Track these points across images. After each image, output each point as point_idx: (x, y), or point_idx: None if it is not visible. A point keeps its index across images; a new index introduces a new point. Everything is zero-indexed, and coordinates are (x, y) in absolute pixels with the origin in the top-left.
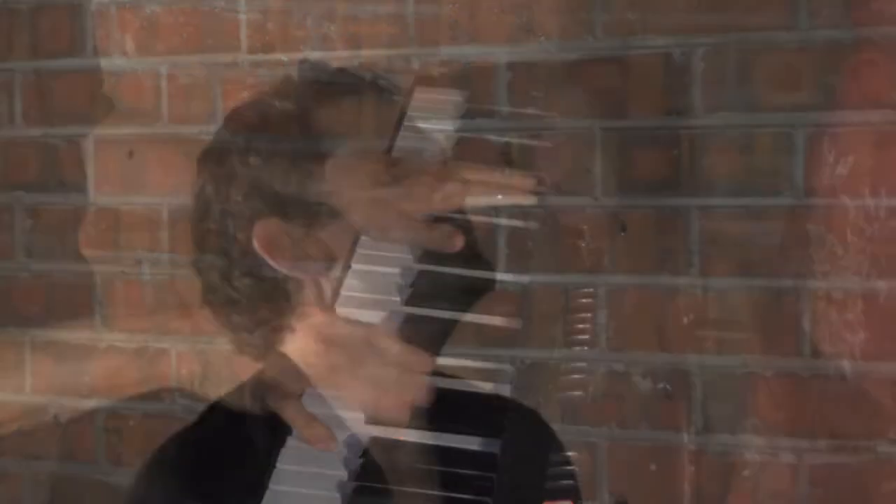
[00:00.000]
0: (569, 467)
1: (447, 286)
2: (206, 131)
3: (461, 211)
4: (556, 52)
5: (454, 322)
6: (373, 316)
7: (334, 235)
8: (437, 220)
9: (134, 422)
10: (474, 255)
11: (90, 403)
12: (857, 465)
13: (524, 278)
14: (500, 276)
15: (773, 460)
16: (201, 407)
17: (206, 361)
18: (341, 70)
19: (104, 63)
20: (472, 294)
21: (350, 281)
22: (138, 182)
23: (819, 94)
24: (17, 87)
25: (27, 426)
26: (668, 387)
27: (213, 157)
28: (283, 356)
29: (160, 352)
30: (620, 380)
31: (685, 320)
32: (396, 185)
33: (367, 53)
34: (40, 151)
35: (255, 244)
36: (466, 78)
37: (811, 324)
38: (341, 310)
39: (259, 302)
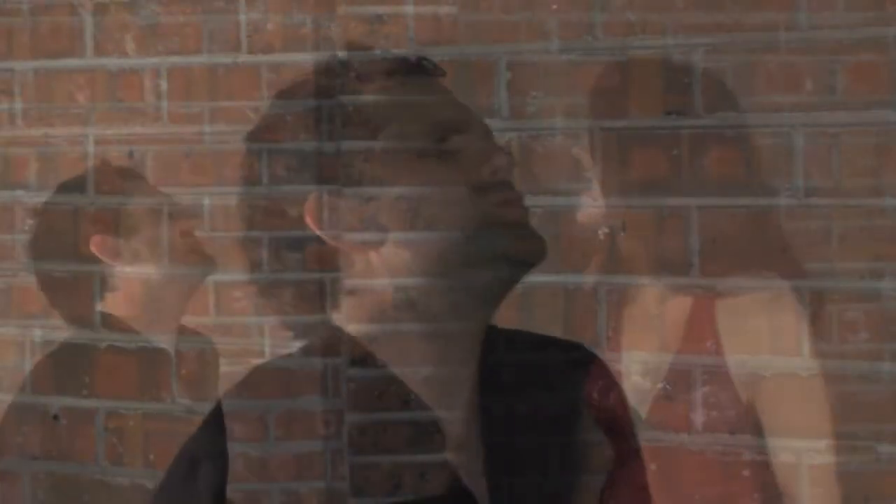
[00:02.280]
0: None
1: (497, 256)
2: (207, 131)
3: (509, 184)
4: (556, 52)
5: (505, 289)
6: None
7: (384, 209)
8: (486, 192)
9: (134, 422)
10: (523, 225)
11: (90, 403)
12: (857, 465)
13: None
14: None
15: (773, 460)
16: (200, 407)
17: (205, 361)
18: (385, 53)
19: (104, 63)
20: (522, 264)
21: (399, 253)
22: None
23: (819, 94)
24: (17, 87)
25: (27, 426)
26: (668, 387)
27: (261, 134)
28: (336, 329)
29: (160, 352)
30: (620, 380)
31: (685, 320)
32: (445, 159)
33: (367, 54)
34: (40, 151)
35: (306, 217)
36: (466, 78)
37: (811, 324)
38: (389, 282)
39: (307, 276)
